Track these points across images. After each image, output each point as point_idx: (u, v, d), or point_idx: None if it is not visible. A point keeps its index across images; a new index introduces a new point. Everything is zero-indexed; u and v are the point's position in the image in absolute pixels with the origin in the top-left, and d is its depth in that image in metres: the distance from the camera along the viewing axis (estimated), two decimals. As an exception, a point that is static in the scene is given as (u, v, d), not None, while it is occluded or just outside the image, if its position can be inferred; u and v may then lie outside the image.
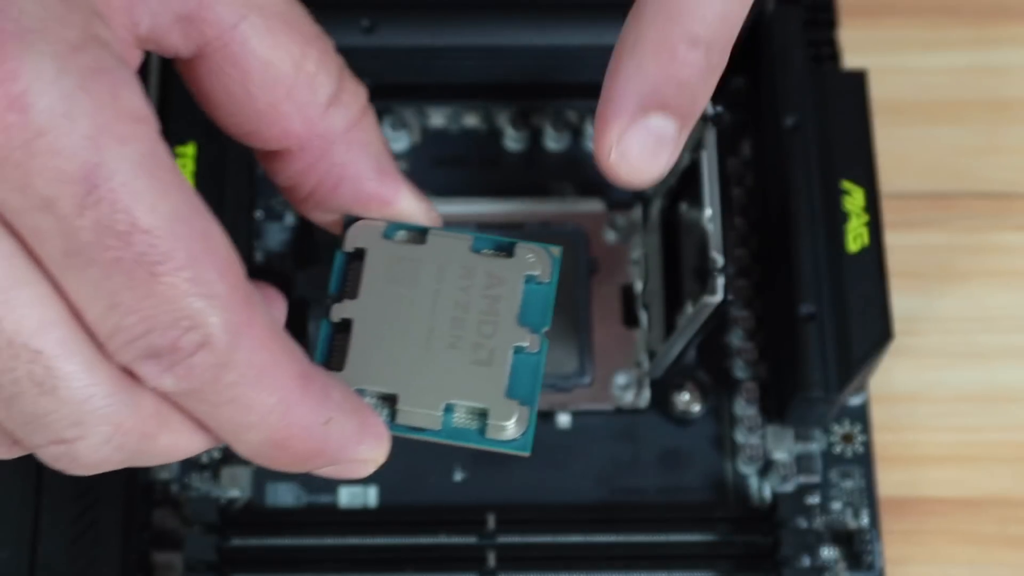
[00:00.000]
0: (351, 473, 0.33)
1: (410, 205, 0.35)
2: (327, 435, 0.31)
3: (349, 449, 0.32)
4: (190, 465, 0.49)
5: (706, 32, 0.34)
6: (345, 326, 0.35)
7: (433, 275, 0.35)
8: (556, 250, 0.35)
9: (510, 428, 0.34)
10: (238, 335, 0.29)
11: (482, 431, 0.34)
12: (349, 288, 0.35)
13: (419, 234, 0.35)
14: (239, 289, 0.29)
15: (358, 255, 0.35)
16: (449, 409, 0.34)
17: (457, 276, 0.35)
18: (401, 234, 0.35)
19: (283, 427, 0.31)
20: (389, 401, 0.34)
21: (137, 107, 0.28)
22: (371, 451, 0.33)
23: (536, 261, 0.35)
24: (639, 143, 0.34)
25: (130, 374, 0.29)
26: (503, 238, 0.35)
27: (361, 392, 0.34)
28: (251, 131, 0.33)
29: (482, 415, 0.34)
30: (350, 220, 0.35)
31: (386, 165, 0.35)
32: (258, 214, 0.51)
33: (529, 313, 0.35)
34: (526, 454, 0.34)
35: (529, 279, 0.35)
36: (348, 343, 0.34)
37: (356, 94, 0.34)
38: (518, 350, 0.34)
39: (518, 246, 0.35)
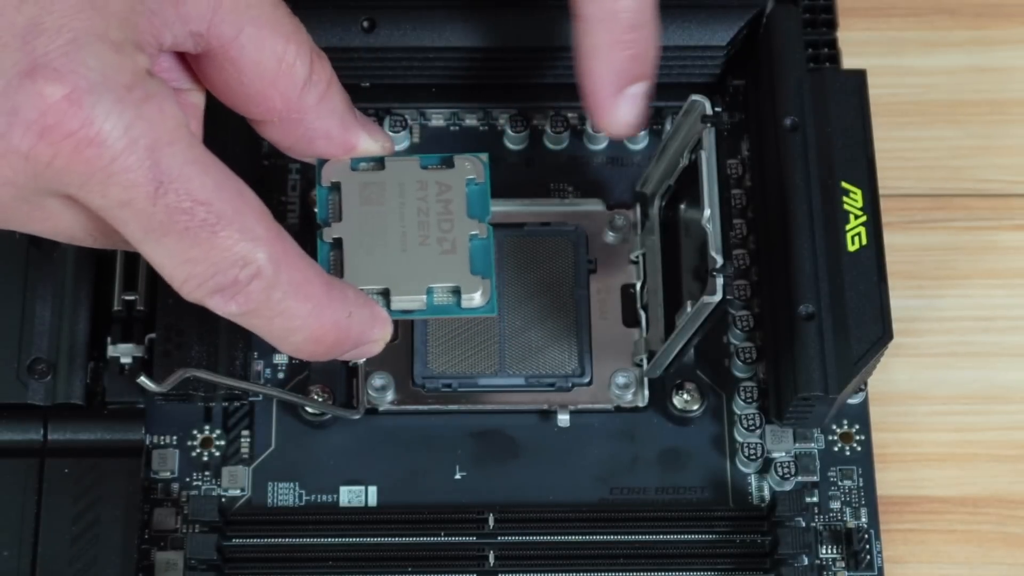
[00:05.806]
0: (369, 352, 0.43)
1: (368, 145, 0.44)
2: (350, 325, 0.42)
3: (366, 333, 0.42)
4: (190, 464, 0.49)
5: (636, 17, 0.45)
6: (338, 244, 0.43)
7: (396, 192, 0.44)
8: (484, 156, 0.45)
9: (477, 297, 0.43)
10: (279, 263, 0.39)
11: (458, 304, 0.43)
12: (334, 214, 0.44)
13: (378, 163, 0.44)
14: (272, 228, 0.39)
15: (335, 187, 0.44)
16: (430, 292, 0.43)
17: (414, 189, 0.44)
18: (364, 164, 0.44)
19: (318, 325, 0.41)
20: (384, 294, 0.43)
21: (176, 114, 0.37)
22: (381, 332, 0.43)
23: (472, 168, 0.44)
24: (626, 109, 0.46)
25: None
26: (442, 154, 0.45)
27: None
28: (242, 107, 0.42)
29: (455, 292, 0.43)
30: (322, 162, 0.44)
31: (348, 120, 0.44)
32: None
33: (474, 207, 0.44)
34: (494, 315, 0.44)
35: (469, 182, 0.44)
36: (343, 256, 0.43)
37: (323, 69, 0.42)
38: (472, 238, 0.44)
39: (455, 158, 0.45)
